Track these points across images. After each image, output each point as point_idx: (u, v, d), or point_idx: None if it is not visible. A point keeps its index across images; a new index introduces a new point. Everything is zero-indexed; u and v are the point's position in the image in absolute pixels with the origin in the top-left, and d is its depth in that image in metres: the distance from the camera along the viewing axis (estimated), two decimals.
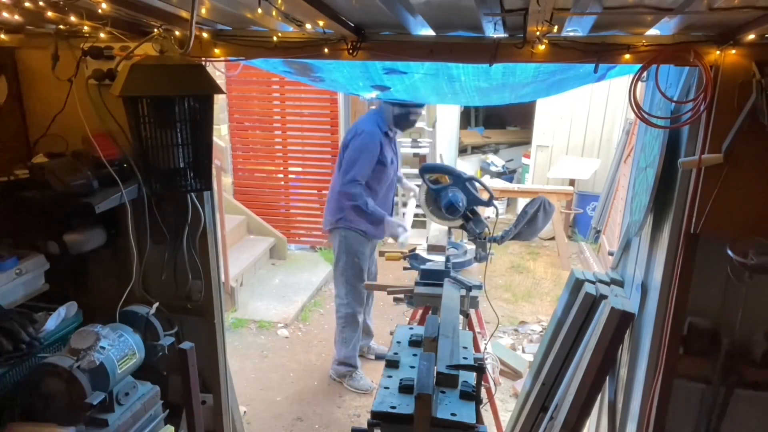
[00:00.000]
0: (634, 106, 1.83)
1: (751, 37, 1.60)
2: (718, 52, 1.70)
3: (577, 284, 2.55)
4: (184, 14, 1.80)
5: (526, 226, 2.99)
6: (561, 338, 2.47)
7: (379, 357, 4.11)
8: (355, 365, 3.83)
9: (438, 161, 7.40)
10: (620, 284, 2.56)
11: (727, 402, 2.01)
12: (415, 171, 7.33)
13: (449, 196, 2.91)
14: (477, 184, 3.02)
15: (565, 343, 2.44)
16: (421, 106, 3.62)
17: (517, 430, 2.54)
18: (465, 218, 3.00)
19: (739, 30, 1.61)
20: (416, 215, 7.29)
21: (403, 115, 3.53)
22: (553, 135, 7.50)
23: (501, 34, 1.83)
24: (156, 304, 2.28)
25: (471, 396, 1.81)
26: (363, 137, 3.51)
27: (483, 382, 2.28)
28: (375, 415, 1.75)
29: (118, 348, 2.02)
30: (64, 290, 2.29)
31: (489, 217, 3.03)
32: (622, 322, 2.22)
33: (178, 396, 2.35)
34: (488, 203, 2.99)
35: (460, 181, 2.99)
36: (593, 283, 2.51)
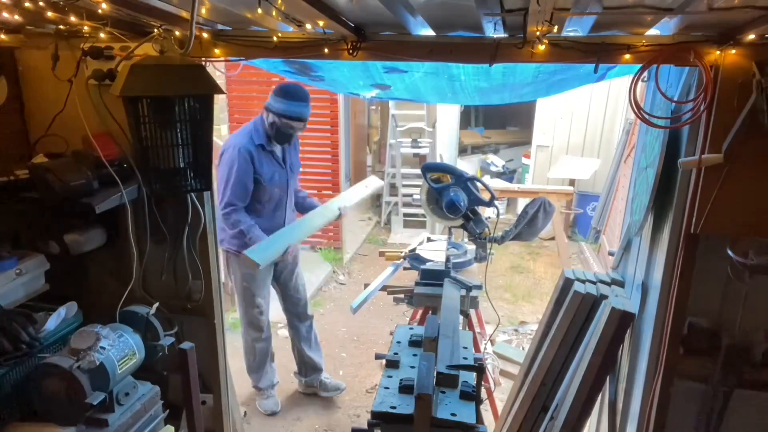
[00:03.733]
0: (634, 106, 1.83)
1: (751, 37, 1.60)
2: (718, 52, 1.70)
3: (567, 284, 2.56)
4: (184, 14, 1.80)
5: (527, 227, 2.99)
6: (549, 337, 2.48)
7: (332, 389, 3.77)
8: (258, 387, 3.60)
9: (438, 161, 7.40)
10: (621, 284, 2.56)
11: (727, 402, 2.01)
12: (416, 171, 7.38)
13: (451, 196, 2.89)
14: (478, 184, 3.02)
15: (565, 343, 2.44)
16: (301, 119, 3.08)
17: (515, 430, 2.54)
18: (466, 218, 2.99)
19: (739, 30, 1.61)
20: (415, 215, 7.34)
21: (278, 127, 3.06)
22: (553, 135, 7.50)
23: (501, 34, 1.83)
24: (156, 304, 2.28)
25: (471, 396, 1.81)
26: (228, 154, 3.09)
27: (483, 382, 2.28)
28: (375, 415, 1.76)
29: (118, 348, 2.02)
30: (64, 290, 2.29)
31: (489, 218, 3.02)
32: (623, 322, 2.22)
33: (178, 396, 2.35)
34: (489, 203, 2.98)
35: (462, 180, 2.97)
36: (583, 282, 2.51)
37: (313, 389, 3.79)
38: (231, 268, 3.37)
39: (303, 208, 3.53)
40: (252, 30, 2.01)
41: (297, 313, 3.60)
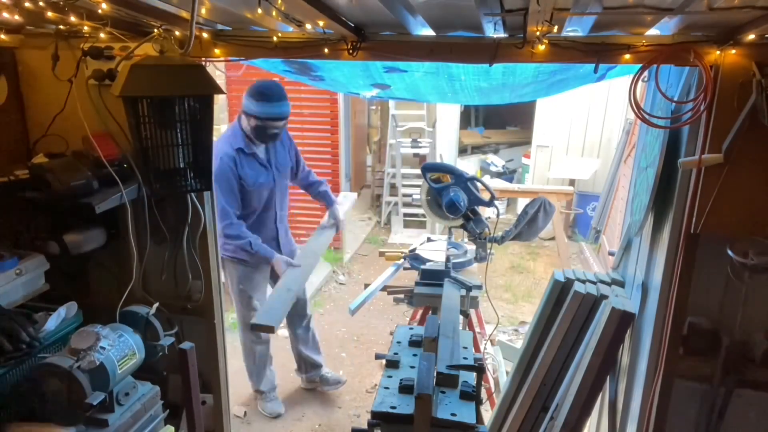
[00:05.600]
0: (634, 106, 1.83)
1: (751, 37, 1.60)
2: (718, 52, 1.70)
3: (556, 286, 2.56)
4: (184, 14, 1.80)
5: (527, 227, 2.99)
6: (549, 337, 2.48)
7: (334, 383, 3.81)
8: (259, 390, 3.58)
9: (438, 161, 7.40)
10: (621, 284, 2.56)
11: (727, 402, 2.01)
12: (416, 171, 7.38)
13: (450, 195, 2.89)
14: (478, 184, 3.02)
15: (565, 343, 2.44)
16: (281, 118, 3.08)
17: (515, 430, 2.54)
18: (466, 218, 2.99)
19: (739, 30, 1.61)
20: (415, 215, 7.34)
21: (260, 128, 3.03)
22: (553, 135, 7.50)
23: (501, 34, 1.83)
24: (156, 305, 2.28)
25: (471, 396, 1.81)
26: (214, 164, 2.94)
27: (483, 382, 2.28)
28: (375, 415, 1.75)
29: (118, 348, 2.02)
30: (64, 290, 2.29)
31: (489, 218, 3.03)
32: (623, 322, 2.22)
33: (178, 396, 2.35)
34: (489, 203, 2.99)
35: (462, 180, 2.97)
36: (583, 282, 2.52)
37: (315, 384, 3.81)
38: (227, 270, 3.32)
39: (318, 198, 3.59)
40: (252, 30, 2.01)
41: (296, 312, 3.58)
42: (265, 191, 3.20)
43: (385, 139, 7.68)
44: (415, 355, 2.07)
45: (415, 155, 7.61)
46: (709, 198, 1.77)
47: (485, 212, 3.09)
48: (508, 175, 8.68)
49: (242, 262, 3.24)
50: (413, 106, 7.28)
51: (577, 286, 2.45)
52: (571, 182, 7.02)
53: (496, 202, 3.04)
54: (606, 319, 2.23)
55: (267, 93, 2.99)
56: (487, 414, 3.04)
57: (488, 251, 3.02)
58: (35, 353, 1.99)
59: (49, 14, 1.70)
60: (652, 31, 1.73)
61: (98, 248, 2.25)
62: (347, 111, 6.13)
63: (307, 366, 3.77)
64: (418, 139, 7.31)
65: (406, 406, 1.75)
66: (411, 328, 2.33)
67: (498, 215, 2.93)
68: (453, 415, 1.71)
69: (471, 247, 3.17)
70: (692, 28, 1.69)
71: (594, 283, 2.53)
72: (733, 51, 1.68)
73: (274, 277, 3.42)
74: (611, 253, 3.48)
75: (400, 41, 1.93)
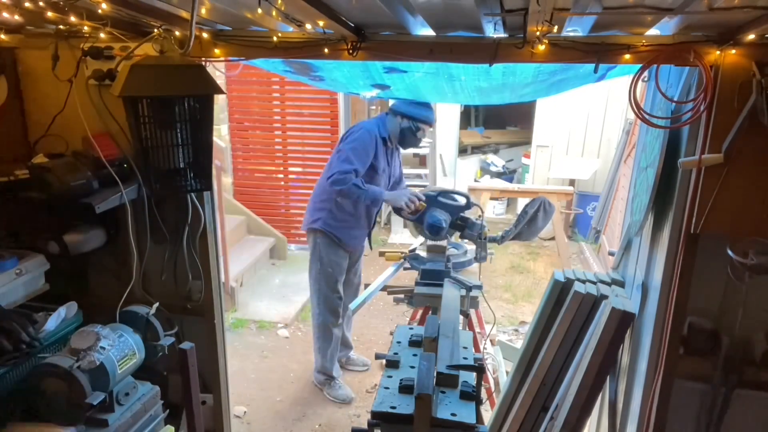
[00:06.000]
0: (634, 106, 1.83)
1: (751, 37, 1.60)
2: (718, 52, 1.70)
3: (556, 286, 2.56)
4: (184, 14, 1.80)
5: (526, 227, 2.99)
6: (549, 337, 2.48)
7: (362, 365, 4.01)
8: (332, 375, 3.69)
9: (438, 161, 7.40)
10: (621, 284, 2.56)
11: (727, 402, 2.01)
12: (416, 171, 7.37)
13: (428, 221, 2.99)
14: (452, 195, 3.07)
15: (565, 343, 2.44)
16: (430, 122, 3.29)
17: (515, 430, 2.54)
18: (458, 228, 3.04)
19: (739, 30, 1.61)
20: None
21: (409, 130, 3.24)
22: (553, 135, 7.49)
23: (501, 34, 1.83)
24: (156, 304, 2.28)
25: (471, 396, 1.81)
26: (360, 133, 3.25)
27: (483, 382, 2.28)
28: (375, 415, 1.75)
29: (118, 348, 2.02)
30: (64, 290, 2.29)
31: (481, 216, 3.04)
32: (623, 322, 2.22)
33: (178, 396, 2.35)
34: (468, 206, 3.02)
35: (433, 199, 3.06)
36: (583, 282, 2.52)
37: (341, 364, 3.91)
38: (319, 250, 3.39)
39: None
40: (252, 30, 2.01)
41: (349, 293, 3.71)
42: (382, 184, 3.36)
43: None
44: (415, 355, 2.07)
45: (415, 155, 7.60)
46: (709, 198, 1.77)
47: (478, 212, 3.10)
48: (508, 175, 8.68)
49: (338, 243, 3.37)
50: None
51: (577, 286, 2.44)
52: (571, 182, 7.01)
53: (472, 200, 3.10)
54: (606, 319, 2.23)
55: (426, 102, 3.17)
56: (487, 414, 3.04)
57: (488, 251, 3.02)
58: (35, 353, 1.99)
59: (49, 14, 1.70)
60: (652, 31, 1.73)
61: (98, 248, 2.25)
62: (347, 111, 6.12)
63: (343, 344, 3.88)
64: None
65: (406, 406, 1.75)
66: (411, 328, 2.33)
67: (482, 214, 2.97)
68: (453, 415, 1.71)
69: (471, 247, 3.17)
70: (692, 28, 1.69)
71: (594, 283, 2.53)
72: (733, 51, 1.68)
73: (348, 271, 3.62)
74: (611, 253, 3.48)
75: (400, 41, 1.93)
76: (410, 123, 3.21)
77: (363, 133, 3.25)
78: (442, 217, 2.97)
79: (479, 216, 3.04)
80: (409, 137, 3.29)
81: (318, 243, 3.41)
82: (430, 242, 3.22)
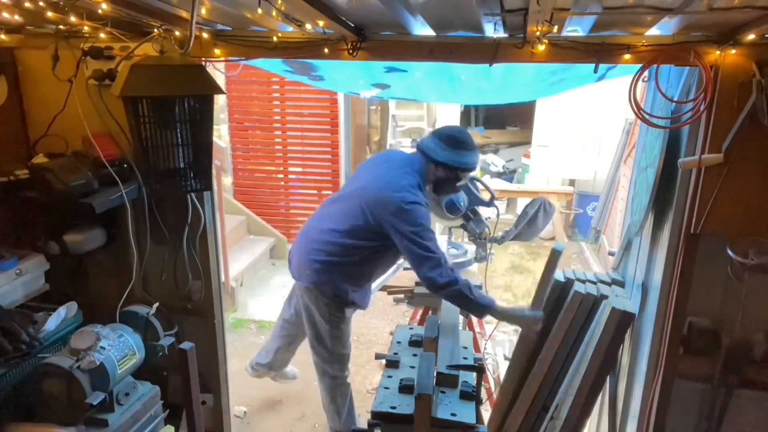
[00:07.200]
0: (634, 106, 1.83)
1: (751, 37, 1.60)
2: (718, 52, 1.70)
3: (557, 285, 2.55)
4: (184, 14, 1.80)
5: (527, 227, 2.99)
6: (549, 338, 2.47)
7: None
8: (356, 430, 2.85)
9: None
10: (621, 284, 2.56)
11: (727, 402, 2.01)
12: None
13: (451, 195, 2.89)
14: (479, 184, 3.02)
15: (565, 343, 2.44)
16: (474, 167, 2.61)
17: (515, 430, 2.54)
18: (466, 218, 2.99)
19: (739, 30, 1.61)
20: None
21: (450, 181, 2.55)
22: (553, 135, 7.49)
23: (501, 34, 1.83)
24: (156, 304, 2.28)
25: (471, 396, 1.81)
26: (423, 211, 2.41)
27: (483, 382, 2.28)
28: (375, 415, 1.76)
29: (118, 348, 2.02)
30: (64, 290, 2.29)
31: (489, 218, 3.03)
32: (623, 322, 2.22)
33: (178, 396, 2.35)
34: (489, 203, 2.98)
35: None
36: (583, 282, 2.52)
37: (271, 378, 3.43)
38: (326, 315, 2.69)
39: None
40: (252, 30, 2.01)
41: None
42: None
43: (385, 139, 7.67)
44: (415, 355, 2.07)
45: None
46: (709, 198, 1.77)
47: (485, 212, 3.09)
48: (508, 175, 8.68)
49: (351, 304, 2.71)
50: (413, 106, 7.27)
51: (577, 286, 2.44)
52: (571, 182, 7.01)
53: (496, 202, 3.04)
54: (606, 319, 2.23)
55: (466, 141, 2.54)
56: (487, 414, 3.04)
57: (488, 251, 3.02)
58: (35, 353, 1.99)
59: (49, 14, 1.70)
60: (652, 31, 1.73)
61: (98, 248, 2.25)
62: (347, 111, 6.12)
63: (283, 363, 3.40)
64: (418, 140, 7.30)
65: (406, 406, 1.75)
66: (411, 328, 2.33)
67: (498, 215, 2.92)
68: (453, 415, 1.72)
69: (471, 247, 3.17)
70: (692, 28, 1.69)
71: (594, 283, 2.53)
72: (733, 51, 1.68)
73: None
74: (611, 253, 3.48)
75: (400, 41, 1.93)
76: (454, 173, 2.53)
77: (423, 211, 2.42)
78: (463, 198, 2.88)
79: (488, 217, 3.03)
80: (446, 185, 2.60)
81: (327, 305, 2.67)
82: None
